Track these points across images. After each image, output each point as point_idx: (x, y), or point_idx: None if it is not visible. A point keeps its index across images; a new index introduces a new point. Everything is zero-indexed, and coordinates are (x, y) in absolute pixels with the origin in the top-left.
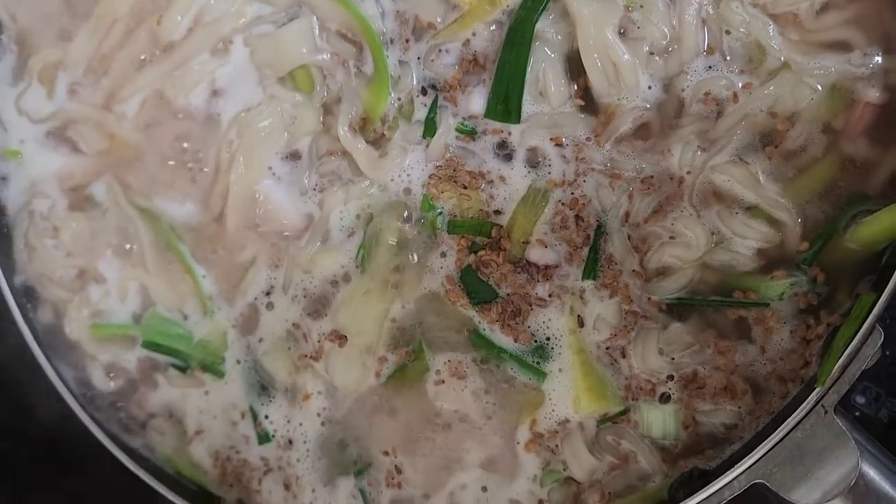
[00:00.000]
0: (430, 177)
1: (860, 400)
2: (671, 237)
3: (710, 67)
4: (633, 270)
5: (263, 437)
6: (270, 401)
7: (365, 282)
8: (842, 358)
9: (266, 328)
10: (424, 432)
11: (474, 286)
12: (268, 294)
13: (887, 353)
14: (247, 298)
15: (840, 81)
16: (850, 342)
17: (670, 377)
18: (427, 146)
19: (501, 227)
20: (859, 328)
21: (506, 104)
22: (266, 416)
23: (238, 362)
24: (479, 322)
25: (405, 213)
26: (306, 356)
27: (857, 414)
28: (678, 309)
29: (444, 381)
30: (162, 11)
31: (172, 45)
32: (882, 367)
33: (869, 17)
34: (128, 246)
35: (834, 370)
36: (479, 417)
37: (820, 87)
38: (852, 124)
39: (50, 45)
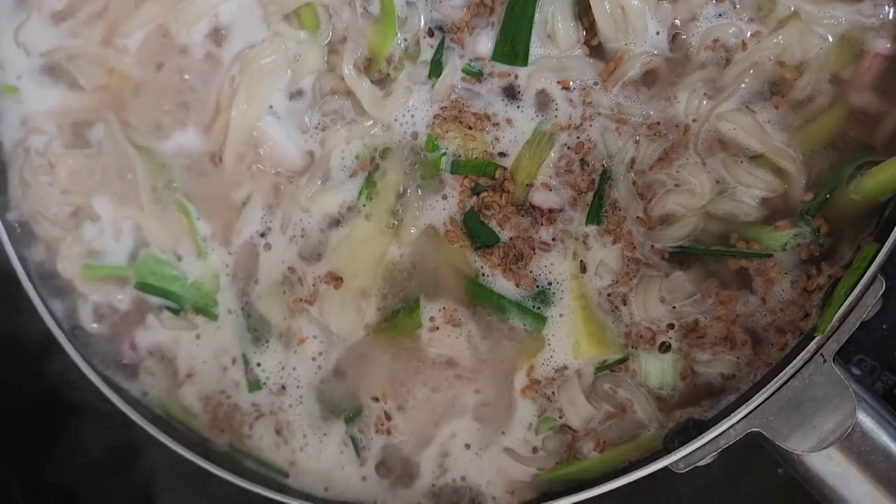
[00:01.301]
0: (434, 117)
1: (855, 372)
2: (676, 185)
3: (719, 15)
4: (637, 217)
5: (254, 385)
6: (265, 346)
7: (363, 223)
8: (842, 307)
9: (262, 271)
10: (416, 378)
11: (477, 230)
12: (263, 235)
13: (884, 326)
14: (241, 238)
15: (849, 31)
16: (852, 291)
17: (671, 326)
18: (432, 87)
19: (505, 168)
20: (861, 277)
21: (513, 46)
22: (258, 364)
23: (230, 312)
24: (480, 266)
25: (408, 153)
26: (301, 300)
27: None
28: (681, 257)
29: (438, 328)
30: None
31: None
32: (878, 339)
33: None
34: (124, 184)
35: (834, 319)
36: (473, 364)
37: (829, 37)
38: (860, 75)
39: None
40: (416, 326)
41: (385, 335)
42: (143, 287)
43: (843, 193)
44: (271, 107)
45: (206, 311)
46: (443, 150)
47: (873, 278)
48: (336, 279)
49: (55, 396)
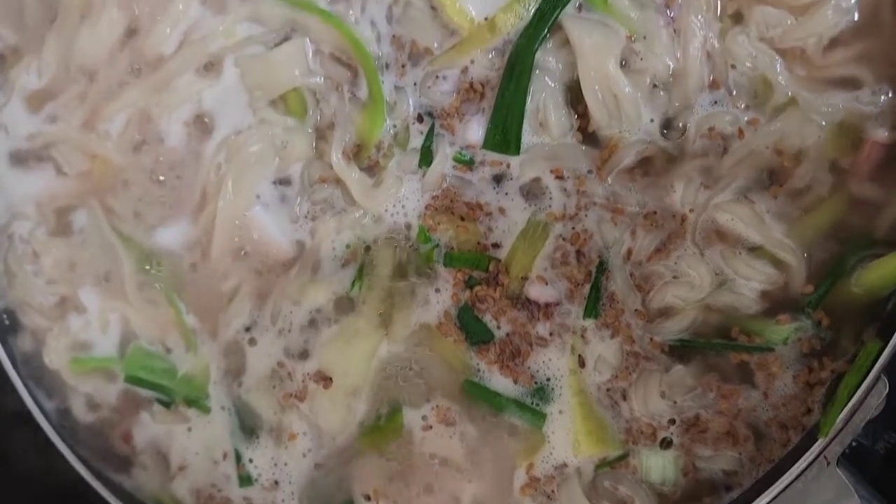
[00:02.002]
0: (426, 207)
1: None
2: (674, 276)
3: (715, 102)
4: (636, 310)
5: (245, 480)
6: (256, 441)
7: (354, 318)
8: (846, 408)
9: (251, 365)
10: (409, 476)
11: (471, 325)
12: (248, 329)
13: None
14: (230, 331)
15: (848, 119)
16: (855, 392)
17: (672, 421)
18: (423, 176)
19: (499, 261)
20: (864, 378)
21: (504, 135)
22: (250, 460)
23: (223, 407)
24: (477, 363)
25: (400, 245)
26: (291, 395)
27: (853, 444)
28: (680, 351)
29: (431, 427)
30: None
31: (158, 62)
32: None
33: (877, 53)
34: (109, 275)
35: (838, 421)
36: (469, 463)
37: (827, 125)
38: (860, 163)
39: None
40: (399, 434)
41: (369, 439)
42: (133, 381)
43: (845, 286)
44: (258, 196)
45: (198, 403)
46: (435, 242)
47: (877, 378)
48: (325, 379)
49: (43, 488)
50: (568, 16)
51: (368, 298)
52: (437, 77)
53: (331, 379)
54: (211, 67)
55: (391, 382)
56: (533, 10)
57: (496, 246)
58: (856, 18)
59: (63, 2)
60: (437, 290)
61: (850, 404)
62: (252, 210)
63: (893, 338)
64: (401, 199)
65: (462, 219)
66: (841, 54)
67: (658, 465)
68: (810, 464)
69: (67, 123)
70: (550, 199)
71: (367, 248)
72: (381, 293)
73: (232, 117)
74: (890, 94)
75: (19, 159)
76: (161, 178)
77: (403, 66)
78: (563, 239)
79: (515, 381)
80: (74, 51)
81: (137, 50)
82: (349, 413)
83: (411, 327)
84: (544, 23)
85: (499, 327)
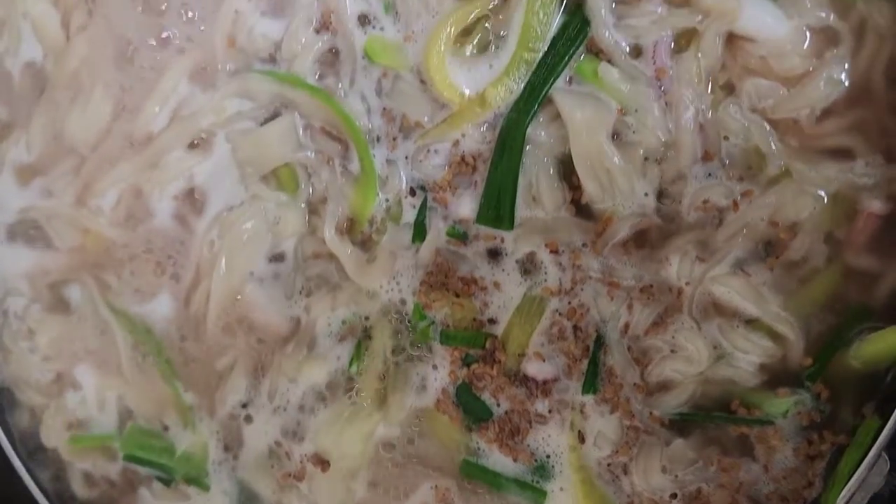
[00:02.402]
0: (420, 284)
1: None
2: (672, 350)
3: (709, 174)
4: (635, 384)
5: None
6: None
7: (349, 399)
8: (847, 486)
9: (248, 443)
10: None
11: (470, 404)
12: (245, 406)
13: None
14: (226, 408)
15: (842, 190)
16: (856, 470)
17: (673, 496)
18: (417, 251)
19: (496, 337)
20: (864, 455)
21: (497, 210)
22: None
23: (223, 488)
24: (476, 442)
25: (396, 322)
26: (290, 475)
27: None
28: (680, 424)
29: None
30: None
31: (149, 138)
32: None
33: (871, 123)
34: (104, 352)
35: (839, 499)
36: None
37: (822, 196)
38: (855, 234)
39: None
40: None
41: None
42: (132, 459)
43: (843, 358)
44: (252, 273)
45: (198, 481)
46: (431, 320)
47: (878, 456)
48: (322, 462)
49: None
50: (558, 89)
51: (365, 377)
52: (428, 150)
53: (328, 462)
54: (201, 143)
55: (389, 462)
56: (523, 84)
57: (492, 322)
58: (847, 88)
59: (50, 77)
60: (435, 368)
61: (851, 481)
62: (246, 286)
63: (893, 415)
64: (395, 275)
65: (457, 295)
66: (834, 124)
67: None
68: None
69: (59, 199)
70: (546, 273)
71: (364, 325)
72: (377, 372)
73: (224, 192)
74: (884, 166)
75: (11, 234)
76: (154, 253)
77: (394, 139)
78: (560, 314)
79: (515, 460)
80: (65, 130)
81: (128, 127)
82: (348, 495)
83: (408, 408)
84: (535, 97)
85: (498, 405)
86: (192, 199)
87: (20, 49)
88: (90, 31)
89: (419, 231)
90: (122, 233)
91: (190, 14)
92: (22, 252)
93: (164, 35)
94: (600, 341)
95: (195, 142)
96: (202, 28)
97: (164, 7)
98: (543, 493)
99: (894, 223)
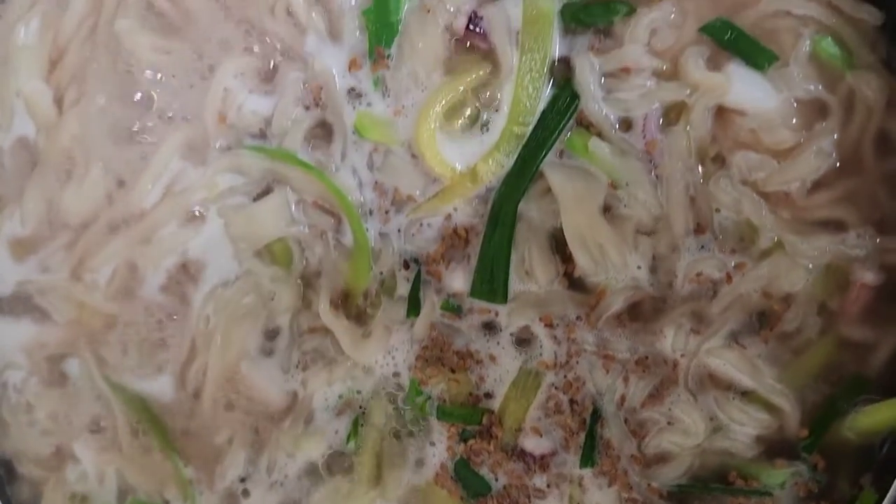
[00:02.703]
0: (416, 358)
1: None
2: (669, 422)
3: (701, 247)
4: (632, 456)
5: None
6: None
7: (346, 476)
8: None
9: None
10: None
11: (469, 479)
12: (243, 480)
13: None
14: (225, 483)
15: (835, 261)
16: None
17: None
18: (412, 326)
19: (493, 413)
20: None
21: (491, 284)
22: None
23: None
24: None
25: (392, 397)
26: None
27: None
28: (679, 496)
29: None
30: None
31: (142, 214)
32: None
33: (862, 194)
34: (103, 426)
35: None
36: None
37: (815, 268)
38: (849, 305)
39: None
40: None
41: None
42: None
43: (839, 429)
44: (250, 347)
45: None
46: (427, 395)
47: None
48: None
49: None
50: (549, 163)
51: (362, 454)
52: (420, 224)
53: None
54: (194, 218)
55: None
56: (514, 159)
57: (488, 396)
58: (837, 160)
59: (41, 153)
60: (433, 444)
61: None
62: (242, 362)
63: (891, 490)
64: (391, 349)
65: (453, 370)
66: (825, 196)
67: None
68: None
69: (55, 273)
70: (541, 347)
71: (361, 400)
72: (374, 448)
73: (218, 267)
74: (876, 237)
75: (8, 307)
76: (150, 328)
77: (387, 212)
78: (556, 388)
79: None
80: (60, 206)
81: (122, 204)
82: None
83: (405, 485)
84: (526, 171)
85: (496, 479)
86: (186, 274)
87: (12, 125)
88: (81, 108)
89: (413, 305)
90: (117, 307)
91: (180, 92)
92: (19, 325)
93: (155, 113)
94: (597, 414)
95: (188, 217)
96: (193, 105)
97: (154, 86)
98: None
99: (887, 294)
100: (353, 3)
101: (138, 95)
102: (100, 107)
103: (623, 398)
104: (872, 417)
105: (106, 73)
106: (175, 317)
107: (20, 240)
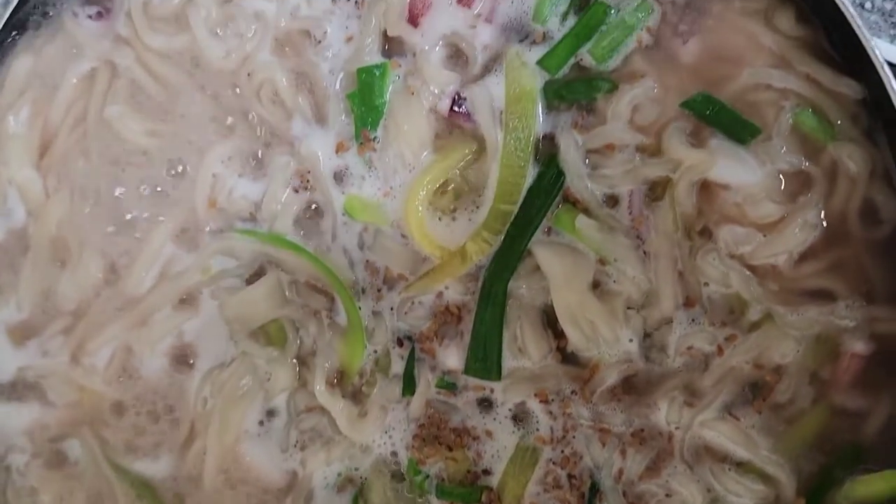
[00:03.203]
0: (413, 437)
1: None
2: (667, 495)
3: (692, 320)
4: None
5: None
6: None
7: None
8: None
9: None
10: None
11: None
12: None
13: None
14: None
15: (825, 332)
16: None
17: None
18: (408, 404)
19: (492, 490)
20: None
21: (485, 362)
22: None
23: None
24: None
25: (391, 475)
26: None
27: None
28: None
29: None
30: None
31: (137, 299)
32: None
33: (849, 264)
34: None
35: None
36: None
37: (805, 338)
38: (840, 375)
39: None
40: None
41: None
42: None
43: (836, 498)
44: (246, 429)
45: None
46: (426, 473)
47: None
48: None
49: None
50: (537, 241)
51: None
52: (412, 302)
53: None
54: (188, 301)
55: None
56: (502, 237)
57: (487, 472)
58: (823, 231)
59: (33, 239)
60: None
61: None
62: (241, 442)
63: None
64: (387, 428)
65: (450, 448)
66: (812, 267)
67: None
68: None
69: (54, 357)
70: (537, 422)
71: (360, 478)
72: None
73: (214, 349)
74: (865, 307)
75: (9, 392)
76: (149, 409)
77: (379, 290)
78: (554, 463)
79: None
80: (56, 292)
81: (117, 289)
82: None
83: None
84: (515, 250)
85: None
86: (182, 356)
87: (4, 211)
88: (70, 194)
89: (409, 383)
90: (117, 389)
91: (170, 178)
92: (21, 409)
93: (147, 199)
94: (595, 488)
95: (182, 300)
96: (183, 191)
97: (144, 172)
98: None
99: (879, 361)
100: (337, 86)
101: (128, 181)
102: (90, 192)
103: (621, 472)
104: (868, 488)
105: (96, 159)
106: (173, 398)
107: (18, 325)
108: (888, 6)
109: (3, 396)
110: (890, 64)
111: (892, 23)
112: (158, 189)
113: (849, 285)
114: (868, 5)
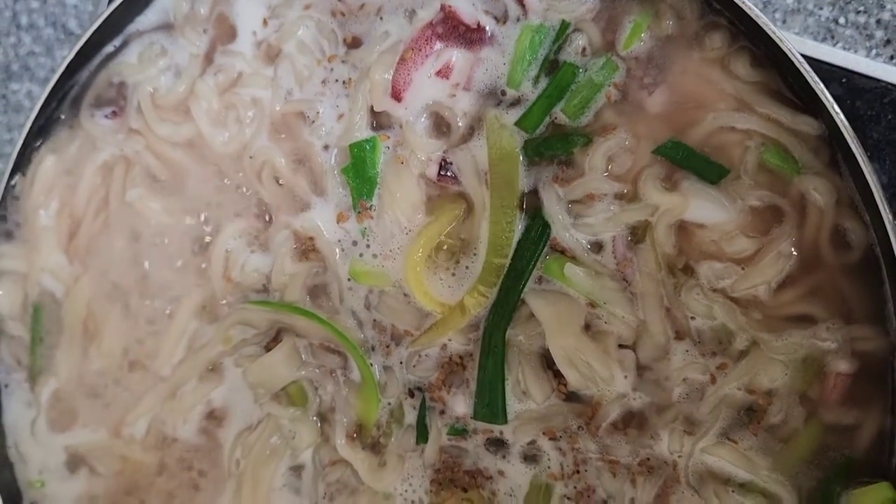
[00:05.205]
0: (430, 483)
1: None
2: None
3: (686, 352)
4: None
5: None
6: None
7: None
8: None
9: None
10: None
11: None
12: None
13: None
14: None
15: (810, 354)
16: None
17: None
18: (422, 452)
19: None
20: None
21: (490, 407)
22: None
23: None
24: None
25: None
26: None
27: None
28: None
29: None
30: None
31: (166, 373)
32: None
33: (825, 288)
34: None
35: None
36: None
37: (791, 362)
38: (828, 394)
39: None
40: None
41: None
42: None
43: None
44: (277, 486)
45: None
46: None
47: None
48: None
49: None
50: (530, 290)
51: None
52: (419, 355)
53: None
54: (214, 370)
55: None
56: (497, 289)
57: None
58: (798, 259)
59: (65, 321)
60: None
61: None
62: (273, 498)
63: None
64: (406, 477)
65: (465, 489)
66: (791, 294)
67: None
68: None
69: (95, 433)
70: (548, 459)
71: None
72: None
73: (242, 412)
74: (844, 328)
75: (60, 466)
76: (187, 473)
77: (388, 346)
78: (568, 498)
79: None
80: (88, 371)
81: (146, 365)
82: None
83: None
84: (510, 300)
85: None
86: (213, 421)
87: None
88: (96, 276)
89: (422, 432)
90: (156, 457)
91: (187, 256)
92: (71, 482)
93: (167, 276)
94: None
95: (208, 370)
96: (201, 267)
97: (161, 251)
98: None
99: (864, 376)
100: (332, 161)
101: (148, 262)
102: (114, 272)
103: (633, 501)
104: (864, 499)
105: (118, 243)
106: (209, 462)
107: (58, 406)
108: (861, 20)
109: (53, 471)
110: (868, 77)
111: (868, 35)
112: (177, 267)
113: (827, 308)
114: (842, 20)
